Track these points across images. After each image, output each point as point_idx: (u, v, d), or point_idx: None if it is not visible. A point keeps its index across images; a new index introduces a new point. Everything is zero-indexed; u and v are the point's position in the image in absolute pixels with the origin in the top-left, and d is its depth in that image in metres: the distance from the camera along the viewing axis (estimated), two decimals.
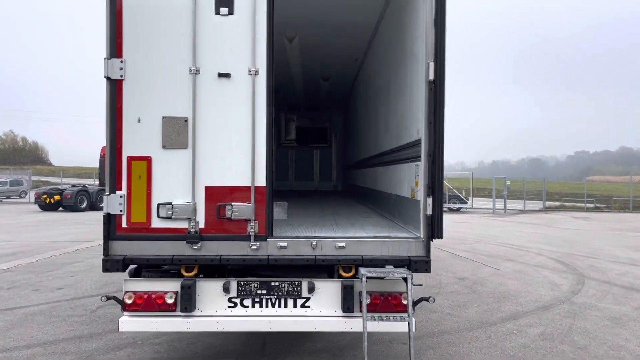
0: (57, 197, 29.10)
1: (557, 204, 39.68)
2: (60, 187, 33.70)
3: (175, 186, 4.54)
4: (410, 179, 5.24)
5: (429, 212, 4.53)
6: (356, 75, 11.56)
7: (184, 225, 4.53)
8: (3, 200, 40.35)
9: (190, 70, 4.50)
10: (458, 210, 32.88)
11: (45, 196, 29.52)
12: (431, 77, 4.50)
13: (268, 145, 4.58)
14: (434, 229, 4.53)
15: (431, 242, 4.59)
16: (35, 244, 14.92)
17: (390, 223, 5.88)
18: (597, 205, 37.92)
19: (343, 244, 4.57)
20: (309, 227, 5.44)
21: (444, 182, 5.71)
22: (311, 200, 10.60)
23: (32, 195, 35.29)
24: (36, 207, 30.50)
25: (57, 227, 20.35)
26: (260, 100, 4.56)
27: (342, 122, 17.38)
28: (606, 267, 11.68)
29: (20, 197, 41.93)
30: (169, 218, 4.52)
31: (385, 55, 7.25)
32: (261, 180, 4.58)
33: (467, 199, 34.46)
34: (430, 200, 4.53)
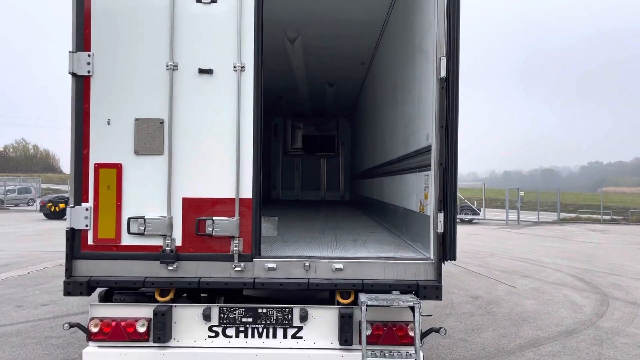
0: (62, 206, 28.77)
1: (572, 215, 38.68)
2: (66, 195, 33.42)
3: (148, 198, 3.96)
4: (419, 191, 4.63)
5: (440, 229, 3.91)
6: (363, 80, 10.99)
7: (158, 242, 3.95)
8: (11, 208, 40.21)
9: (167, 66, 3.94)
10: (470, 222, 32.06)
11: (50, 204, 29.23)
12: (442, 74, 3.90)
13: (256, 152, 3.99)
14: (446, 250, 3.91)
15: (442, 264, 3.97)
16: (31, 254, 14.45)
17: (396, 240, 5.26)
18: (614, 217, 36.89)
19: (341, 266, 3.96)
20: (304, 245, 4.84)
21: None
22: (316, 212, 10.01)
23: (38, 203, 35.08)
24: (41, 215, 30.21)
25: (58, 236, 19.91)
26: (247, 99, 3.99)
27: (350, 130, 16.80)
28: (630, 286, 10.91)
29: (28, 205, 41.78)
30: (141, 234, 3.94)
31: (392, 55, 6.67)
32: (247, 192, 3.98)
33: (480, 210, 33.64)
34: (441, 215, 3.91)
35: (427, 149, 4.23)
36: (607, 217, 36.43)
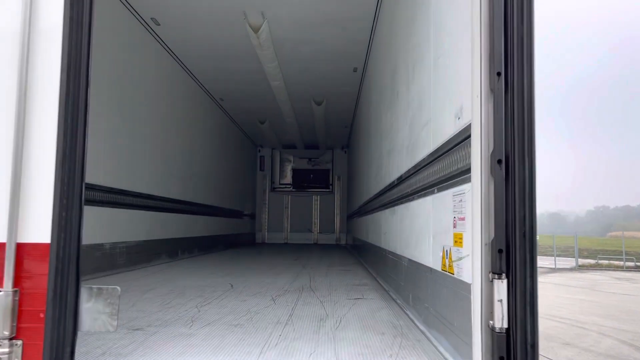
0: None
1: (591, 262, 35.89)
2: None
3: None
4: (442, 228, 2.35)
5: (500, 320, 1.61)
6: (358, 94, 8.87)
7: None
8: None
9: None
10: None
11: None
12: None
13: (61, 152, 1.77)
14: None
15: None
16: None
17: (397, 317, 2.96)
18: (638, 263, 34.08)
19: None
20: (220, 333, 2.54)
21: None
22: (297, 259, 7.69)
23: None
24: None
25: None
26: (43, 63, 1.79)
27: (346, 163, 14.62)
28: None
29: None
30: None
31: (393, 34, 4.52)
32: (38, 231, 1.74)
33: None
34: (501, 285, 1.62)
35: (461, 138, 2.00)
36: (631, 264, 33.66)
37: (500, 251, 1.61)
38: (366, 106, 7.49)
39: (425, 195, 2.72)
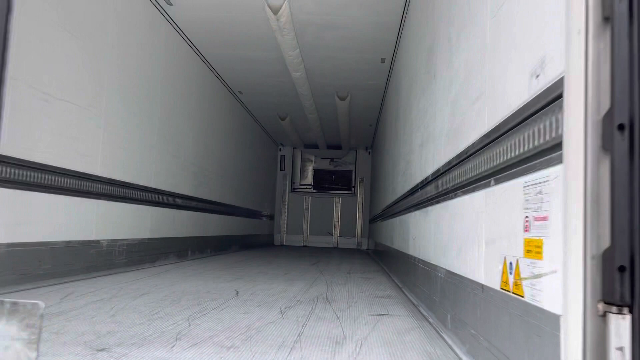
0: None
1: None
2: None
3: None
4: (500, 231, 1.76)
5: None
6: (385, 89, 8.28)
7: None
8: None
9: None
10: None
11: None
12: None
13: None
14: None
15: None
16: None
17: (430, 341, 2.36)
18: None
19: None
20: (220, 353, 2.00)
21: None
22: (314, 264, 7.14)
23: None
24: None
25: None
26: None
27: (370, 164, 14.01)
28: None
29: None
30: None
31: (430, 6, 3.93)
32: None
33: None
34: (624, 324, 1.02)
35: (541, 105, 1.40)
36: None
37: (621, 269, 1.01)
38: (394, 100, 6.89)
39: (473, 190, 2.12)
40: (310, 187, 14.55)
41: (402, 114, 5.51)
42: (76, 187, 4.14)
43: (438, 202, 2.96)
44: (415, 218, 4.05)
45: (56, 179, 3.85)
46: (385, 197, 7.69)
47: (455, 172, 2.49)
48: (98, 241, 4.54)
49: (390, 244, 6.36)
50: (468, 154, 2.23)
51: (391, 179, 6.71)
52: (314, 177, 14.55)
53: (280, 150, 14.52)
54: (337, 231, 14.38)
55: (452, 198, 2.54)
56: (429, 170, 3.38)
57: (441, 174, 2.90)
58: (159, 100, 5.83)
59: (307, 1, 5.43)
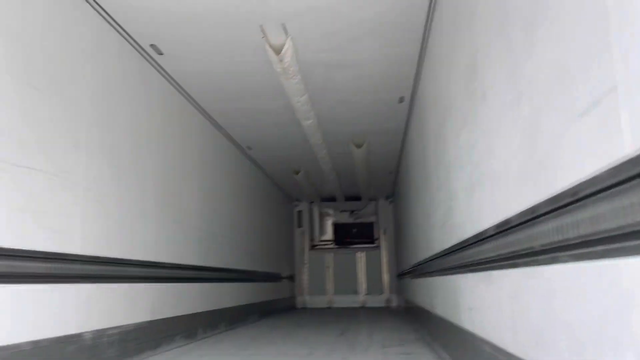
0: None
1: None
2: None
3: None
4: None
5: None
6: (405, 131, 7.56)
7: None
8: None
9: None
10: None
11: None
12: None
13: None
14: None
15: None
16: None
17: None
18: None
19: None
20: None
21: None
22: (339, 338, 6.24)
23: None
24: None
25: None
26: None
27: (392, 213, 13.15)
28: None
29: None
30: None
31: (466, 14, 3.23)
32: None
33: None
34: None
35: None
36: None
37: None
38: (418, 142, 6.14)
39: (607, 255, 1.30)
40: (330, 242, 13.67)
41: (432, 155, 4.73)
42: (46, 271, 3.37)
43: (514, 265, 2.12)
44: (468, 282, 3.18)
45: (15, 264, 3.09)
46: (417, 252, 6.79)
47: (549, 225, 1.67)
48: (79, 334, 3.72)
49: (429, 308, 5.42)
50: (579, 195, 1.41)
51: (423, 231, 5.85)
52: (334, 232, 13.69)
53: (296, 206, 13.77)
54: (363, 288, 13.34)
55: (548, 263, 1.71)
56: (488, 221, 2.55)
57: (514, 226, 2.07)
58: (153, 160, 5.15)
59: (312, 36, 4.80)
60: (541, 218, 1.74)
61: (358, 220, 13.61)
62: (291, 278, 13.03)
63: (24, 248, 3.17)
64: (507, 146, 2.18)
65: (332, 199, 13.04)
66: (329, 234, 13.73)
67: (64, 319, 3.56)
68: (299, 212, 13.75)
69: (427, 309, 5.68)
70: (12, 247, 3.08)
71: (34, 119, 3.35)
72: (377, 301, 13.18)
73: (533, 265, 1.87)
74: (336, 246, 13.60)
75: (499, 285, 2.39)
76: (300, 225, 13.70)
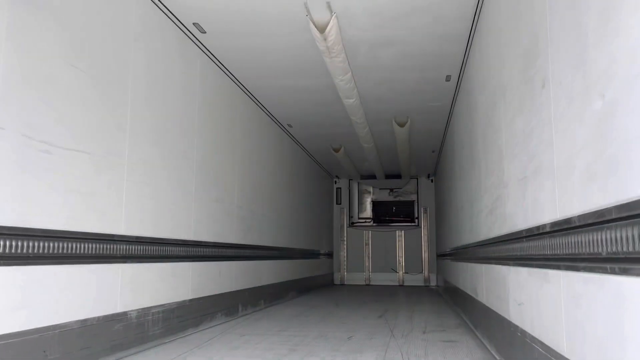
0: None
1: None
2: None
3: None
4: None
5: None
6: (450, 110, 7.32)
7: None
8: None
9: None
10: None
11: None
12: None
13: None
14: None
15: None
16: None
17: None
18: None
19: None
20: None
21: None
22: (379, 319, 6.21)
23: None
24: None
25: None
26: None
27: (434, 192, 12.93)
28: None
29: None
30: None
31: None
32: None
33: None
34: None
35: None
36: None
37: None
38: (465, 122, 5.93)
39: None
40: (369, 220, 13.59)
41: (481, 138, 4.54)
42: (93, 252, 3.43)
43: (575, 269, 1.98)
44: (518, 276, 3.04)
45: (65, 245, 3.15)
46: (460, 235, 6.64)
47: (621, 233, 1.53)
48: (125, 313, 3.80)
49: (472, 294, 5.30)
50: None
51: (468, 215, 5.69)
52: (373, 210, 13.59)
53: (335, 182, 13.71)
54: (401, 267, 13.27)
55: (618, 273, 1.57)
56: (544, 216, 2.41)
57: (577, 227, 1.93)
58: (196, 140, 5.16)
59: (357, 14, 4.63)
60: (611, 224, 1.60)
61: (398, 199, 13.45)
62: (330, 255, 13.07)
63: (74, 230, 3.23)
64: (570, 140, 2.02)
65: (371, 176, 12.90)
66: (368, 212, 13.64)
67: (111, 298, 3.64)
68: (338, 189, 13.70)
69: (469, 294, 5.56)
70: (64, 229, 3.14)
71: (81, 102, 3.36)
72: (415, 280, 13.09)
73: (599, 272, 1.73)
74: (375, 224, 13.51)
75: (555, 286, 2.26)
76: (339, 202, 13.66)
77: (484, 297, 4.48)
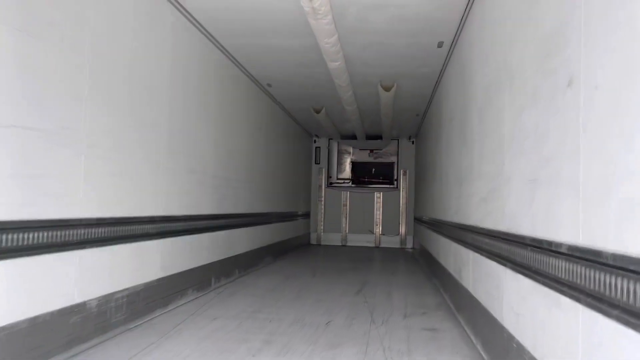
0: None
1: None
2: None
3: None
4: None
5: None
6: (439, 75, 6.92)
7: None
8: None
9: None
10: None
11: None
12: None
13: None
14: None
15: None
16: None
17: None
18: None
19: None
20: None
21: None
22: (355, 299, 6.02)
23: None
24: None
25: None
26: None
27: (414, 153, 12.68)
28: None
29: None
30: None
31: None
32: None
33: None
34: None
35: None
36: None
37: None
38: (458, 91, 5.56)
39: None
40: (348, 181, 13.32)
41: (477, 119, 4.19)
42: (45, 241, 3.04)
43: (600, 310, 1.70)
44: (519, 284, 2.78)
45: (9, 237, 2.75)
46: (444, 210, 6.39)
47: None
48: (84, 303, 3.46)
49: (456, 276, 5.10)
50: None
51: (456, 194, 5.41)
52: (352, 170, 13.29)
53: (315, 142, 13.32)
54: (378, 229, 13.15)
55: None
56: (559, 233, 2.11)
57: (608, 265, 1.63)
58: (166, 105, 4.69)
59: None
60: None
61: (378, 160, 13.16)
62: (307, 215, 12.84)
63: (20, 219, 2.82)
64: (608, 162, 1.69)
65: (352, 136, 12.53)
66: (346, 172, 13.35)
67: (66, 289, 3.28)
68: (317, 148, 13.32)
69: (452, 274, 5.37)
70: (8, 219, 2.73)
71: (25, 70, 2.88)
72: (391, 242, 13.02)
73: (635, 329, 1.45)
74: (354, 185, 13.26)
75: (571, 318, 1.99)
76: (317, 162, 13.32)
77: (470, 285, 4.27)
